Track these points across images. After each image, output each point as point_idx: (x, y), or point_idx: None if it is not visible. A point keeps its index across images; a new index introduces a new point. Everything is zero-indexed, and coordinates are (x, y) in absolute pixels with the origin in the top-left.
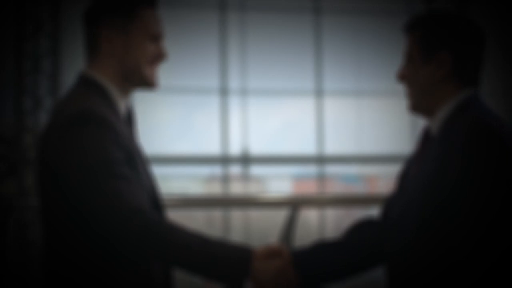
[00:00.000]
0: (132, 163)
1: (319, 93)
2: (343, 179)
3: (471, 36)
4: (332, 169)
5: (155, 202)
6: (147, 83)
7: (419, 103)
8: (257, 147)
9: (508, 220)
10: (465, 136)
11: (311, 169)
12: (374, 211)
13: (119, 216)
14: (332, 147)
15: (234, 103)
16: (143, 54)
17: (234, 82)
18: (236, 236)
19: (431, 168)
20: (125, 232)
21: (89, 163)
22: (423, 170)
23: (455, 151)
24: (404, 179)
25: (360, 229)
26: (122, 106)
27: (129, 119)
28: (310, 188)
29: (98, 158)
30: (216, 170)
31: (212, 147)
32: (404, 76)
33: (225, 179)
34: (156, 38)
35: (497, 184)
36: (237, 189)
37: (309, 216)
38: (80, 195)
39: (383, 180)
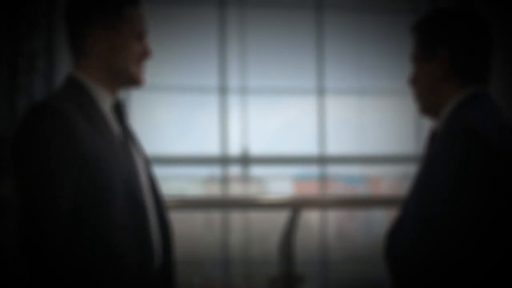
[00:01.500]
0: (100, 165)
1: (320, 92)
2: (345, 179)
3: (471, 33)
4: (333, 170)
5: (156, 201)
6: (134, 81)
7: (426, 105)
8: (257, 147)
9: (499, 221)
10: (451, 138)
11: (312, 170)
12: (376, 213)
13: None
14: (334, 147)
15: (234, 102)
16: (130, 53)
17: (233, 81)
18: (235, 238)
19: (427, 169)
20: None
21: (30, 175)
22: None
23: (444, 153)
24: None
25: None
26: (106, 105)
27: (119, 116)
28: (311, 189)
29: (40, 174)
30: (215, 170)
31: (211, 147)
32: (413, 80)
33: (225, 180)
34: (141, 36)
35: (484, 186)
36: (236, 190)
37: (310, 218)
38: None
39: (386, 180)
